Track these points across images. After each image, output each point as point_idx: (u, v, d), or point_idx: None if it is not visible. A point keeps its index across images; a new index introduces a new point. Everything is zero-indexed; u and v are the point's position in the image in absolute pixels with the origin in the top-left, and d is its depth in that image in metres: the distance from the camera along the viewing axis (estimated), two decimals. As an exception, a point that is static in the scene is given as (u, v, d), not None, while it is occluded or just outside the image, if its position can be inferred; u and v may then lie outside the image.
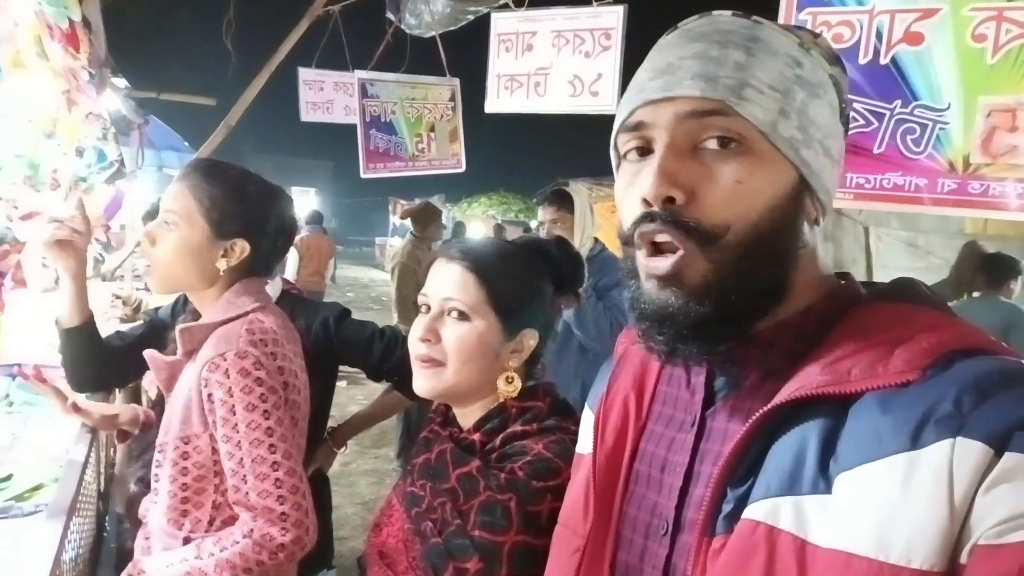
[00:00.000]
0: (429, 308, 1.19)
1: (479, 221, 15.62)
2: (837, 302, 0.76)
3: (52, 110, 2.47)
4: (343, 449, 2.39)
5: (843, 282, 0.80)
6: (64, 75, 2.42)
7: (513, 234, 13.01)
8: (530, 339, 1.21)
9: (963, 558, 0.55)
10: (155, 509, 1.51)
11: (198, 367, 1.44)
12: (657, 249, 0.72)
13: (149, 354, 1.59)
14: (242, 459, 1.37)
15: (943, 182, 1.95)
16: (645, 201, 0.71)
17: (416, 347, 1.18)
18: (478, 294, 1.16)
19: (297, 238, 7.92)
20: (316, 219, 9.03)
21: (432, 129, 4.61)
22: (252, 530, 1.36)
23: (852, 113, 1.99)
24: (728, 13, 0.75)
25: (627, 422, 0.86)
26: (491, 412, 1.18)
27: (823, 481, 0.62)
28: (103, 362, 1.98)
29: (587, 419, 0.96)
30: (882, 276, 3.78)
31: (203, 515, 1.46)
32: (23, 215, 2.61)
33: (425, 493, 1.16)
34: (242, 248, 1.54)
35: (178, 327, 1.53)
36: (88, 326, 1.93)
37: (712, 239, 0.69)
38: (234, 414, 1.38)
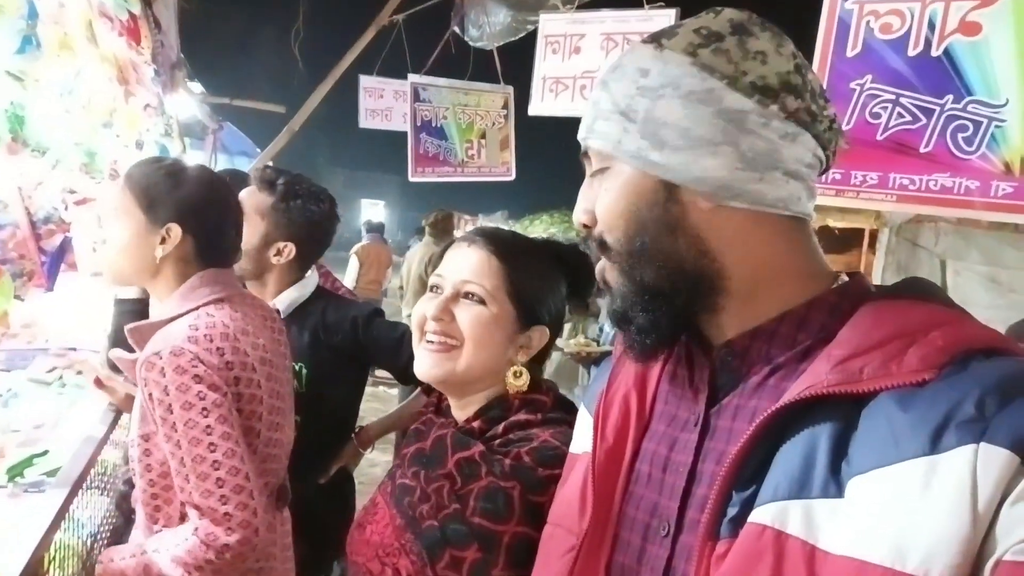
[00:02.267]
0: (441, 290, 1.16)
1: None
2: (845, 296, 0.73)
3: (109, 99, 2.56)
4: (369, 450, 2.38)
5: (851, 278, 0.77)
6: (117, 64, 2.51)
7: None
8: (540, 335, 1.19)
9: (986, 572, 0.52)
10: (137, 504, 1.52)
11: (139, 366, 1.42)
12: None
13: (115, 354, 1.60)
14: (183, 458, 1.35)
15: (997, 185, 1.79)
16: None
17: (427, 326, 1.14)
18: (498, 280, 1.14)
19: (358, 246, 8.18)
20: (377, 229, 9.19)
21: (483, 136, 4.63)
22: (198, 528, 1.33)
23: (898, 109, 1.89)
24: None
25: (628, 420, 0.83)
26: (492, 402, 1.15)
27: (834, 484, 0.59)
28: None
29: (583, 418, 0.94)
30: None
31: (173, 511, 1.45)
32: (77, 200, 2.72)
33: (417, 483, 1.11)
34: (176, 233, 1.48)
35: (127, 327, 1.51)
36: (140, 302, 2.00)
37: (606, 248, 0.78)
38: (171, 413, 1.35)
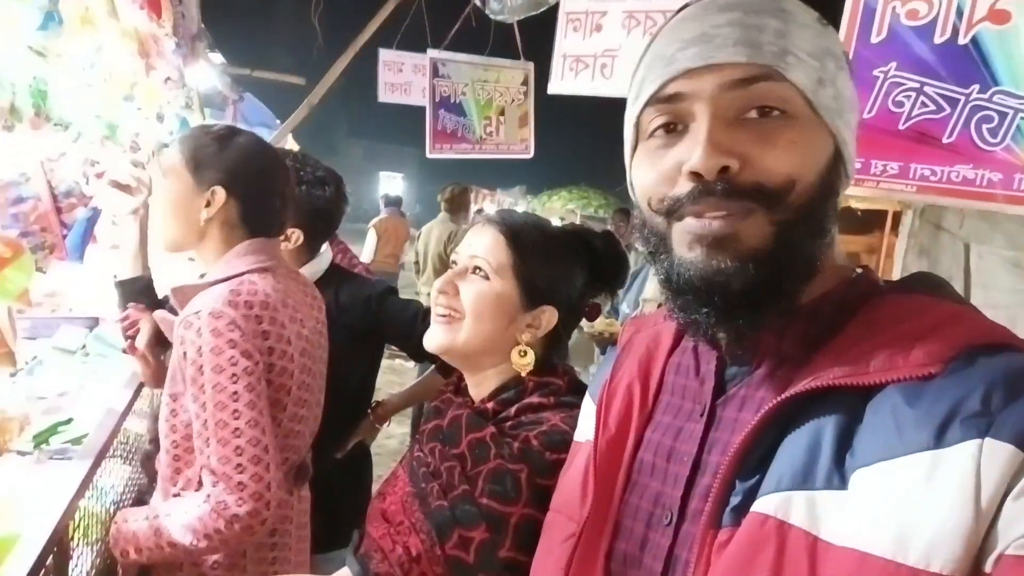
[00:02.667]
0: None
1: (558, 215, 15.50)
2: (854, 291, 0.72)
3: (130, 72, 2.57)
4: (386, 424, 2.42)
5: (860, 271, 0.76)
6: (139, 38, 2.51)
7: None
8: (549, 316, 1.19)
9: (987, 566, 0.52)
10: (160, 466, 1.54)
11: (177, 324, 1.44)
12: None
13: (159, 315, 1.62)
14: (206, 421, 1.35)
15: (1021, 178, 1.75)
16: (694, 174, 0.67)
17: (435, 299, 1.19)
18: (504, 257, 1.16)
19: (376, 220, 8.19)
20: (395, 202, 9.16)
21: (502, 113, 4.59)
22: (209, 495, 1.33)
23: (922, 98, 1.84)
24: None
25: (631, 410, 0.83)
26: (507, 383, 1.17)
27: (838, 476, 0.59)
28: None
29: (588, 407, 0.94)
30: (982, 296, 3.49)
31: (193, 475, 1.45)
32: (98, 173, 2.75)
33: (433, 458, 1.14)
34: (220, 196, 1.50)
35: (171, 286, 1.54)
36: (143, 279, 1.99)
37: (778, 197, 0.66)
38: (202, 374, 1.35)
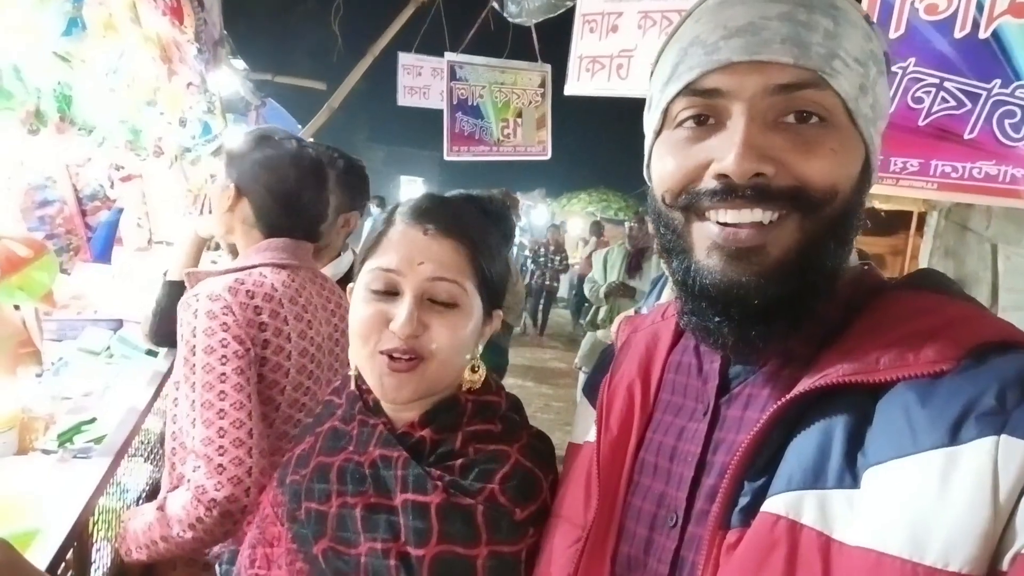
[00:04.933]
0: (394, 290, 0.93)
1: (578, 217, 15.46)
2: (860, 289, 0.72)
3: (152, 78, 2.61)
4: None
5: (865, 268, 0.76)
6: (161, 44, 2.55)
7: (612, 233, 12.74)
8: (497, 321, 1.05)
9: (1004, 564, 0.51)
10: (165, 459, 1.56)
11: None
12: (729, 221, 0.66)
13: None
14: (194, 401, 1.34)
15: (1045, 175, 1.71)
16: (722, 176, 0.65)
17: (387, 343, 0.92)
18: (472, 277, 0.95)
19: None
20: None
21: (519, 115, 4.61)
22: (190, 480, 1.32)
23: (942, 93, 1.81)
24: None
25: (632, 410, 0.82)
26: (440, 405, 0.97)
27: (850, 475, 0.58)
28: None
29: (584, 408, 0.92)
30: (1011, 299, 3.43)
31: (185, 471, 1.42)
32: (123, 177, 2.80)
33: (352, 526, 0.91)
34: (233, 194, 1.56)
35: (185, 271, 1.59)
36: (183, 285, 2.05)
37: (818, 206, 0.65)
38: (194, 354, 1.36)
